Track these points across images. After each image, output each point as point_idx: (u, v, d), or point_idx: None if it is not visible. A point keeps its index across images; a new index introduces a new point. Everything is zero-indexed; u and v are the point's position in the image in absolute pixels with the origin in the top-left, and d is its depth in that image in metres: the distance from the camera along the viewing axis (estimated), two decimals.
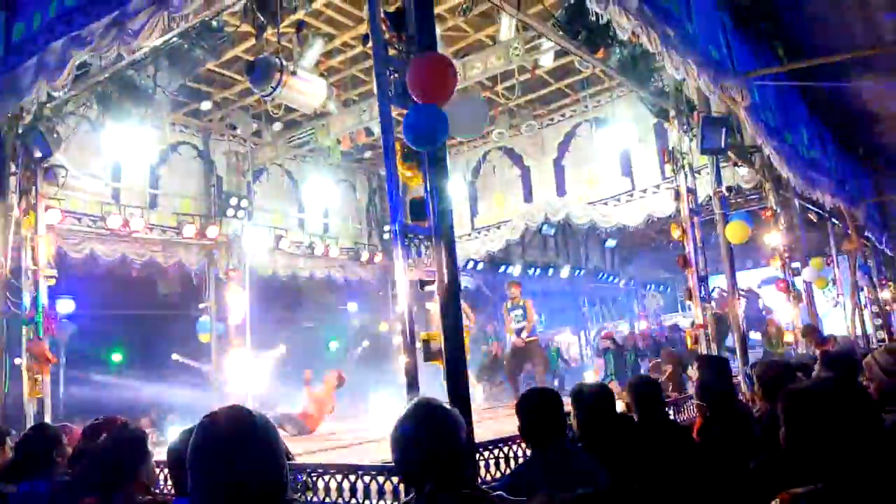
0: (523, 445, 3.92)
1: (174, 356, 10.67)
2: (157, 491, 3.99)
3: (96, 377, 11.33)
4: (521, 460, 3.97)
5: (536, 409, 3.15)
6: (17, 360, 6.53)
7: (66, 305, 10.21)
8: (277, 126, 10.93)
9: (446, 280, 3.76)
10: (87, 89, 6.44)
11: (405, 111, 4.04)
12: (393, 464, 1.86)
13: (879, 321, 12.41)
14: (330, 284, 12.92)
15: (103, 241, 9.50)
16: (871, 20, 7.62)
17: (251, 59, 8.36)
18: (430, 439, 1.79)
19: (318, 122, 10.71)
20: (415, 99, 3.79)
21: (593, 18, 5.91)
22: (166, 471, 4.34)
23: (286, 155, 11.71)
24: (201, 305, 10.80)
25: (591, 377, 11.59)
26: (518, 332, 9.68)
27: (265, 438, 1.63)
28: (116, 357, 12.33)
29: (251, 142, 11.47)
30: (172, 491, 3.03)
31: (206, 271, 10.85)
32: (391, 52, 4.29)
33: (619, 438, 3.39)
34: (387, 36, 4.29)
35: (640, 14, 5.49)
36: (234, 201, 10.75)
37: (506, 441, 4.01)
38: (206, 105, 10.28)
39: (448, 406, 1.92)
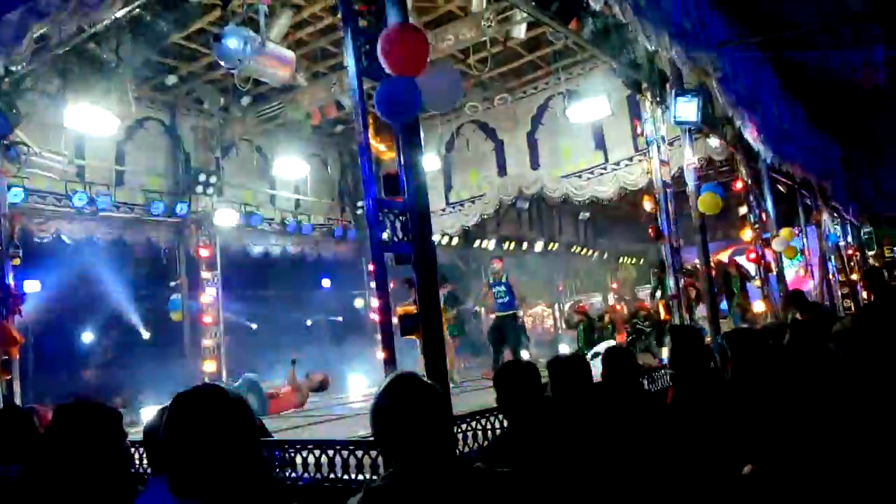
0: (501, 418, 3.94)
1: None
2: (132, 471, 3.94)
3: (65, 359, 11.17)
4: (498, 433, 3.99)
5: (514, 381, 3.17)
6: None
7: (30, 285, 9.99)
8: (246, 100, 10.69)
9: (422, 254, 3.73)
10: (46, 63, 6.22)
11: (377, 84, 3.98)
12: (373, 438, 1.85)
13: (846, 290, 12.70)
14: (303, 261, 12.82)
15: (69, 220, 9.28)
16: None
17: (217, 31, 8.19)
18: (411, 413, 1.78)
19: (288, 95, 10.51)
20: (387, 71, 3.72)
21: None
22: (141, 451, 4.31)
23: (255, 130, 11.50)
24: (172, 284, 10.66)
25: (564, 350, 11.72)
26: (501, 307, 9.69)
27: (240, 414, 1.62)
28: (86, 338, 12.13)
29: (219, 117, 11.20)
30: (148, 470, 2.99)
31: (176, 249, 10.69)
32: (362, 22, 4.21)
33: (593, 407, 3.44)
34: (357, 6, 4.20)
35: None
36: (202, 178, 10.56)
37: (483, 413, 4.03)
38: (171, 79, 10.00)
39: (428, 380, 1.91)
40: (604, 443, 3.15)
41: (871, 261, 14.95)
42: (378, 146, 4.26)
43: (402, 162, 3.86)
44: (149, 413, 7.94)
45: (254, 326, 13.21)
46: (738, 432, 3.51)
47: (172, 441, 1.57)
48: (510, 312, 9.64)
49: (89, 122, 8.25)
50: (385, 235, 3.90)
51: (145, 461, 4.37)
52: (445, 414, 1.93)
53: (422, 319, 3.67)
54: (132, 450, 3.54)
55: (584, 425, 3.22)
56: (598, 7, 5.51)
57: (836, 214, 13.44)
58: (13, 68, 5.57)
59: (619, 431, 3.37)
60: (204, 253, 10.64)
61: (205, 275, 10.63)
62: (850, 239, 14.59)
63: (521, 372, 3.23)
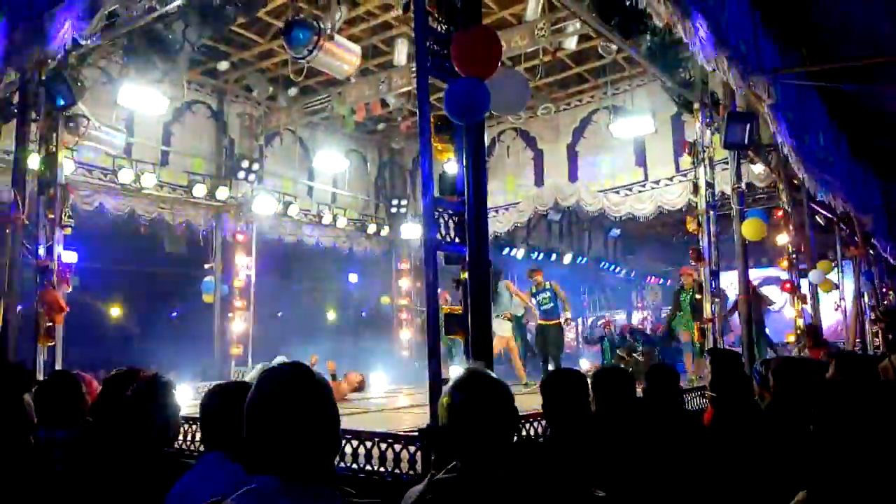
0: (543, 423, 3.95)
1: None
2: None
3: (96, 331, 11.36)
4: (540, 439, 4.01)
5: (562, 389, 3.18)
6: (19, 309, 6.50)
7: (69, 256, 10.19)
8: (293, 91, 10.83)
9: (477, 255, 3.76)
10: (114, 40, 6.37)
11: (440, 83, 4.02)
12: (443, 431, 1.87)
13: (877, 328, 12.48)
14: (335, 254, 12.92)
15: (114, 195, 9.46)
16: None
17: (276, 21, 8.31)
18: (484, 407, 1.81)
19: (335, 90, 10.63)
20: (457, 71, 3.76)
21: (628, 3, 5.86)
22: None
23: (300, 121, 11.63)
24: (206, 266, 10.81)
25: (585, 365, 11.66)
26: (546, 315, 9.79)
27: (329, 398, 1.65)
28: (117, 312, 12.33)
29: (265, 105, 11.39)
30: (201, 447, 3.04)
31: (213, 232, 10.84)
32: (431, 22, 4.25)
33: (634, 422, 3.44)
34: (428, 6, 4.24)
35: (677, 3, 5.46)
36: (245, 164, 10.71)
37: (526, 418, 4.04)
38: (223, 65, 10.18)
39: (497, 377, 1.94)
40: (644, 459, 3.15)
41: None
42: (437, 146, 4.29)
43: (465, 163, 3.89)
44: (178, 392, 8.09)
45: (279, 314, 13.33)
46: (777, 460, 3.50)
47: (260, 415, 1.59)
48: (555, 321, 9.69)
49: (142, 101, 8.43)
50: (438, 235, 3.93)
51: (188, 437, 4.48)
52: (513, 411, 1.95)
53: (471, 320, 3.70)
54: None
55: (626, 439, 3.23)
56: (660, 24, 5.50)
57: (873, 251, 13.22)
58: (82, 42, 5.69)
59: (659, 449, 3.36)
60: (240, 238, 10.78)
61: (240, 260, 10.76)
62: (885, 277, 14.33)
63: (570, 381, 3.25)
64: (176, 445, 3.93)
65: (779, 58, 7.94)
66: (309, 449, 1.57)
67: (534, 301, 9.82)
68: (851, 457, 2.94)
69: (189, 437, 4.55)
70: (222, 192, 10.42)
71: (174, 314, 12.69)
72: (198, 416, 2.57)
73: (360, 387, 8.79)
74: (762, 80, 6.79)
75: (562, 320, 9.71)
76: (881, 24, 7.80)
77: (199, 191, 10.21)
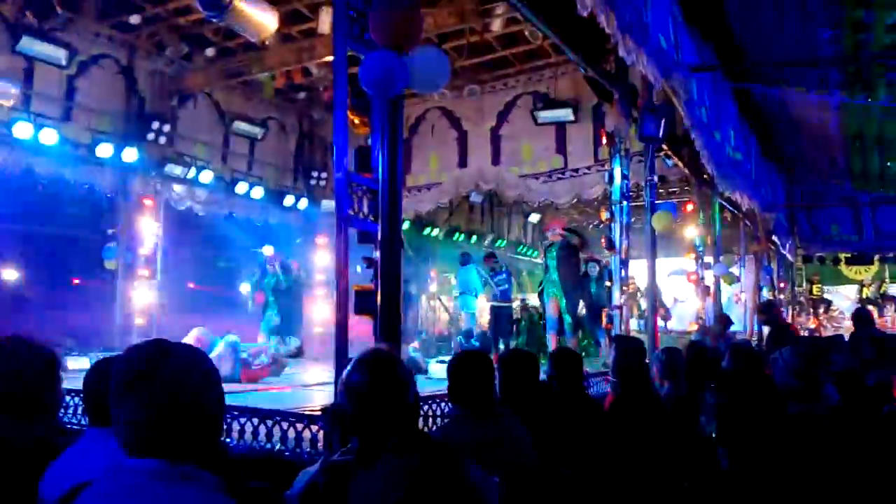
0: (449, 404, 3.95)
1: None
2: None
3: None
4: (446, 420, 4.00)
5: (467, 370, 3.17)
6: None
7: None
8: (210, 52, 10.36)
9: (389, 233, 3.69)
10: None
11: (360, 56, 3.90)
12: (339, 409, 1.82)
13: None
14: (249, 224, 12.53)
15: (8, 150, 8.78)
16: (812, 34, 7.94)
17: None
18: (385, 390, 1.77)
19: (255, 54, 10.22)
20: (376, 43, 3.65)
21: None
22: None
23: (216, 84, 11.12)
24: (110, 231, 10.25)
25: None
26: (503, 296, 9.99)
27: (208, 375, 1.55)
28: (10, 275, 11.54)
29: (179, 64, 10.81)
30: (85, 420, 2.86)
31: (118, 196, 10.27)
32: None
33: (538, 406, 3.48)
34: None
35: None
36: (155, 125, 10.17)
37: (434, 398, 4.03)
38: (135, 19, 9.57)
39: (400, 358, 1.89)
40: (545, 443, 3.19)
41: (779, 294, 15.55)
42: (353, 119, 4.17)
43: (380, 139, 3.80)
44: (76, 363, 7.66)
45: (191, 285, 12.84)
46: (673, 447, 3.63)
47: (128, 393, 1.48)
48: (508, 302, 9.91)
49: (42, 50, 7.85)
50: (350, 211, 3.84)
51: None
52: (413, 395, 1.92)
53: (381, 300, 3.63)
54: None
55: (529, 423, 3.26)
56: (584, 14, 5.52)
57: (773, 248, 13.99)
58: None
59: (560, 433, 3.42)
60: (147, 203, 10.27)
61: (146, 226, 10.26)
62: (781, 272, 15.22)
63: (474, 362, 3.24)
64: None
65: (696, 55, 8.19)
66: (186, 431, 1.47)
67: (493, 282, 10.03)
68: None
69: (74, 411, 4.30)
70: (129, 154, 9.84)
71: (75, 280, 11.99)
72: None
73: (298, 352, 8.69)
74: (679, 76, 6.98)
75: (514, 303, 9.99)
76: (791, 33, 8.16)
77: (105, 150, 9.60)
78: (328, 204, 12.56)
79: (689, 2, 7.88)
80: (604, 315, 7.81)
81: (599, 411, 4.22)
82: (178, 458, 1.42)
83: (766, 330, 7.78)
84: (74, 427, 4.19)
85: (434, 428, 3.91)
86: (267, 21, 6.16)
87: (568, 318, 8.76)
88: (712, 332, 8.72)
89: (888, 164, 13.01)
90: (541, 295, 9.72)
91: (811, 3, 7.53)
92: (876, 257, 18.58)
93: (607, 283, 8.93)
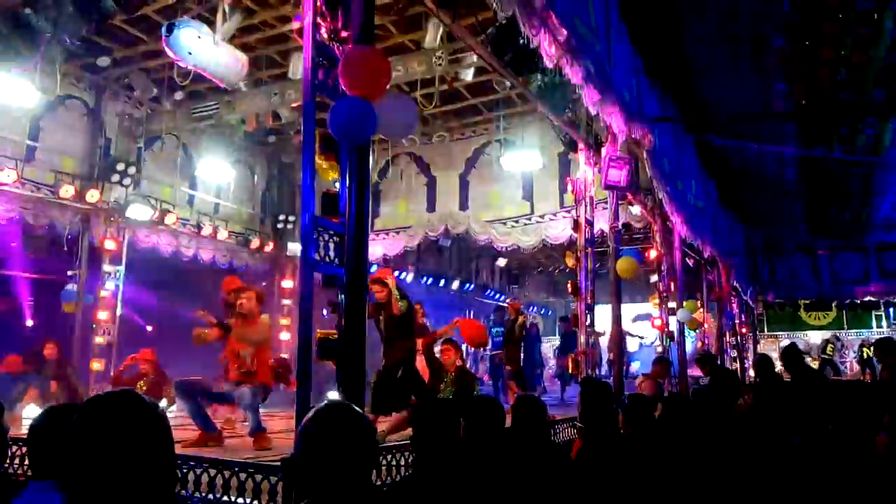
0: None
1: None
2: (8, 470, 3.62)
3: None
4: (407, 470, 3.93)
5: (431, 419, 3.13)
6: None
7: None
8: (179, 95, 10.33)
9: (354, 278, 3.67)
10: None
11: (329, 101, 3.93)
12: (299, 463, 1.78)
13: (737, 365, 13.42)
14: (214, 268, 12.35)
15: None
16: (767, 87, 8.26)
17: (162, 20, 7.92)
18: (340, 441, 1.73)
19: (224, 97, 10.25)
20: (344, 90, 3.69)
21: (523, 42, 6.02)
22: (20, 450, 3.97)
23: (184, 126, 11.10)
24: (70, 273, 10.01)
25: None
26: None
27: (162, 426, 1.52)
28: None
29: (148, 107, 10.80)
30: (28, 472, 2.74)
31: (79, 237, 10.08)
32: (322, 37, 4.16)
33: (503, 454, 3.44)
34: (320, 20, 4.15)
35: (567, 45, 5.66)
36: (120, 167, 10.07)
37: (399, 448, 3.96)
38: (104, 61, 9.55)
39: (359, 410, 1.87)
40: (510, 491, 3.15)
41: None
42: (322, 163, 4.17)
43: (347, 184, 3.80)
44: (31, 410, 7.36)
45: (149, 328, 12.55)
46: (641, 492, 3.60)
47: (82, 446, 1.45)
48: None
49: (6, 90, 7.75)
50: (316, 255, 3.81)
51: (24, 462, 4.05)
52: (371, 446, 1.88)
53: (344, 346, 3.58)
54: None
55: (493, 471, 3.22)
56: (550, 65, 5.68)
57: (735, 294, 14.24)
58: None
59: (526, 482, 3.38)
60: (110, 245, 10.08)
61: (107, 268, 10.06)
62: (743, 316, 15.47)
63: (441, 412, 3.20)
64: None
65: (659, 107, 8.44)
66: (138, 481, 1.44)
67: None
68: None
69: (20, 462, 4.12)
70: (93, 195, 9.71)
71: (30, 323, 11.64)
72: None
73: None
74: (641, 126, 7.17)
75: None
76: (749, 86, 8.48)
77: (67, 192, 9.47)
78: (294, 247, 12.49)
79: (651, 55, 8.17)
80: (569, 360, 7.82)
81: (566, 457, 4.18)
82: None
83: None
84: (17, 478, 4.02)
85: (398, 478, 3.84)
86: (237, 66, 6.19)
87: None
88: (652, 376, 8.74)
89: (844, 213, 13.45)
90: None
91: (766, 59, 7.86)
92: (833, 304, 19.00)
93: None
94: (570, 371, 8.01)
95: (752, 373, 13.08)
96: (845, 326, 19.86)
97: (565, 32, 5.45)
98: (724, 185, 12.05)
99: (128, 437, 1.43)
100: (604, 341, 9.62)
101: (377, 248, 12.51)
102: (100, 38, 9.13)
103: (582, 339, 7.67)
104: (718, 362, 11.93)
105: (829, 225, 14.71)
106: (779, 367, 7.07)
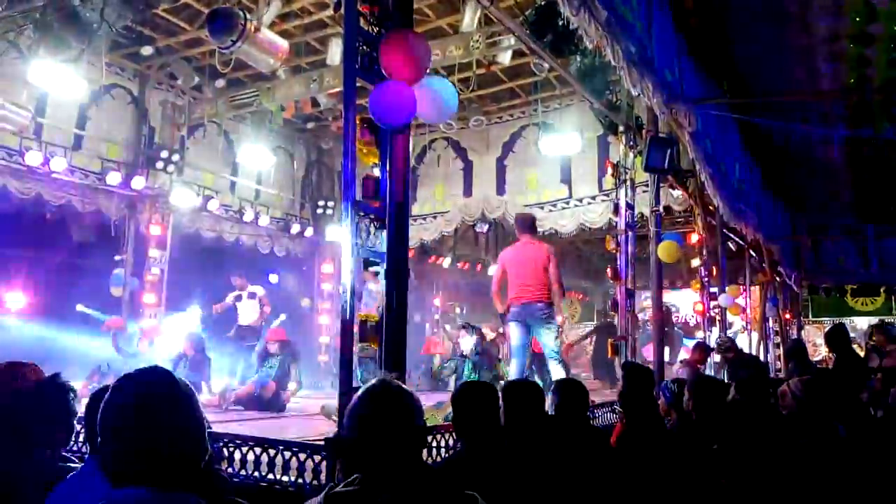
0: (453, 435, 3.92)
1: (79, 307, 10.00)
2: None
3: None
4: (450, 451, 3.96)
5: (472, 402, 3.16)
6: None
7: None
8: (220, 83, 10.51)
9: (395, 262, 3.70)
10: (25, 13, 5.98)
11: (369, 86, 3.95)
12: (347, 442, 1.81)
13: (780, 351, 13.15)
14: (255, 253, 12.57)
15: (19, 177, 8.89)
16: (813, 67, 8.00)
17: (205, 9, 8.04)
18: (391, 421, 1.76)
19: (264, 84, 10.39)
20: (384, 74, 3.70)
21: (562, 23, 5.95)
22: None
23: (226, 114, 11.27)
24: (117, 258, 10.30)
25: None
26: None
27: (188, 403, 1.57)
28: (15, 300, 11.56)
29: (190, 95, 11.00)
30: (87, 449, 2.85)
31: (126, 223, 10.35)
32: (362, 22, 4.18)
33: (543, 437, 3.45)
34: (360, 6, 4.16)
35: (607, 26, 5.57)
36: (164, 154, 10.29)
37: (439, 429, 4.00)
38: (147, 50, 9.75)
39: (409, 389, 1.89)
40: (552, 476, 3.15)
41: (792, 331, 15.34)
42: (362, 149, 4.20)
43: (388, 168, 3.83)
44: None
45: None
46: (682, 479, 3.58)
47: (113, 422, 1.51)
48: None
49: (55, 81, 7.96)
50: (357, 240, 3.85)
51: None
52: (420, 425, 1.91)
53: (385, 328, 3.63)
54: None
55: (534, 455, 3.23)
56: (590, 46, 5.60)
57: (779, 279, 13.93)
58: None
59: (566, 466, 3.38)
60: (155, 231, 10.34)
61: (153, 253, 10.33)
62: (788, 303, 15.14)
63: (480, 394, 3.22)
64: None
65: (701, 87, 8.25)
66: (170, 458, 1.50)
67: None
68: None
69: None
70: (138, 182, 9.96)
71: (81, 307, 11.98)
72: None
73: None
74: (684, 108, 7.03)
75: None
76: (793, 67, 8.22)
77: (114, 178, 9.72)
78: (333, 232, 12.63)
79: (693, 34, 7.98)
80: (609, 345, 7.76)
81: (606, 443, 4.17)
82: (163, 485, 1.44)
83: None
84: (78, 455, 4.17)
85: (438, 459, 3.88)
86: (277, 53, 6.25)
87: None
88: (691, 362, 8.60)
89: (893, 197, 13.01)
90: None
91: (813, 37, 7.61)
92: (882, 289, 18.46)
93: None
94: (609, 356, 7.96)
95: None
96: (894, 312, 19.28)
97: (605, 13, 5.37)
98: (768, 167, 11.75)
99: (155, 411, 1.49)
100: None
101: (414, 233, 12.57)
102: (143, 28, 9.32)
103: (621, 322, 7.61)
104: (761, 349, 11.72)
105: (876, 209, 14.26)
106: (824, 352, 6.92)
